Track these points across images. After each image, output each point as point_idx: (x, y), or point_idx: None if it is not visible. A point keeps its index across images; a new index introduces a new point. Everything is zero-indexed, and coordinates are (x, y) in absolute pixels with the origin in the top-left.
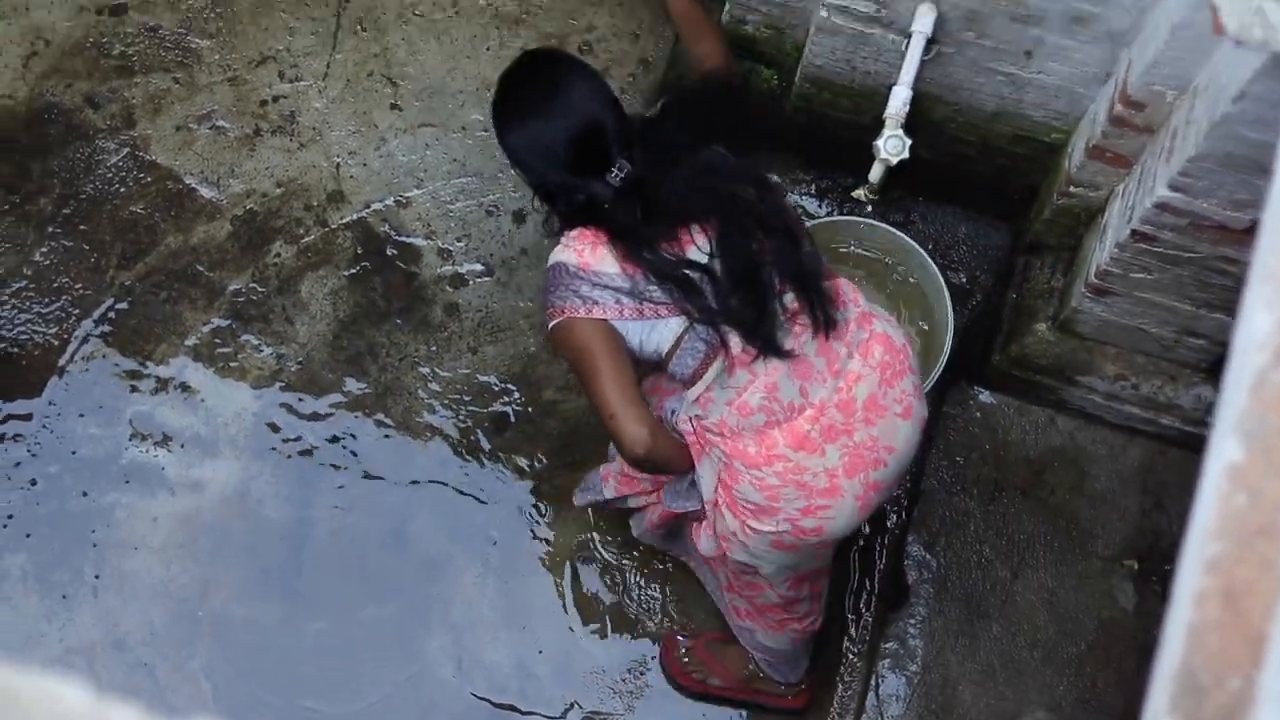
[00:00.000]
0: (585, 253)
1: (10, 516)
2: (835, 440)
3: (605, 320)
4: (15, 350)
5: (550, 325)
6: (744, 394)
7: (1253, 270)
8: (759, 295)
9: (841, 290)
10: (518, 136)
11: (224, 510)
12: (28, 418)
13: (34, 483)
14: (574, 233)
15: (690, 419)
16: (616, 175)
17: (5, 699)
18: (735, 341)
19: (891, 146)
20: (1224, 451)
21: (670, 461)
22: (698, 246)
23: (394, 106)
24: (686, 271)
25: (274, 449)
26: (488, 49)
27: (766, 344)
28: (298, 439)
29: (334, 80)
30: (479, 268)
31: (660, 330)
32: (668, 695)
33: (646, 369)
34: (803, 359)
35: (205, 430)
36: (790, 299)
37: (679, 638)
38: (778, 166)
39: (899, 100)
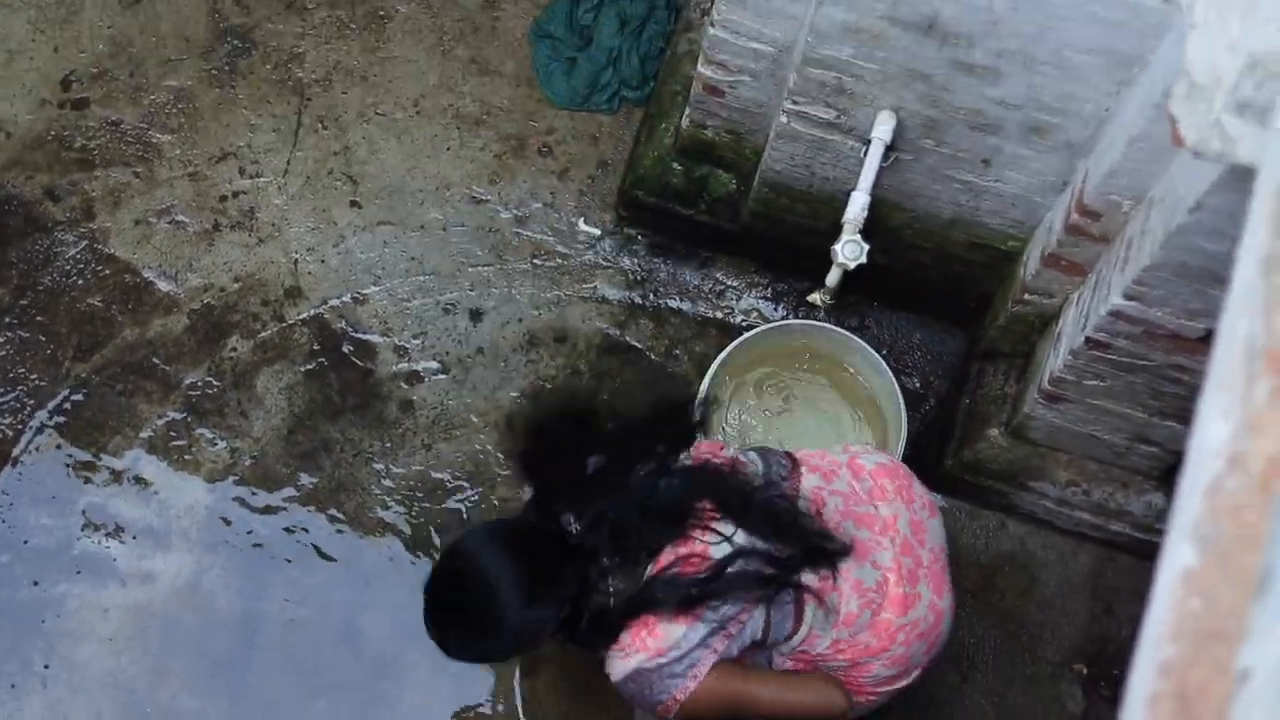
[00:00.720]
0: (649, 643)
1: None
2: (920, 580)
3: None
4: None
5: (674, 713)
6: (843, 609)
7: (1208, 379)
8: (788, 525)
9: (818, 463)
10: (501, 640)
11: (175, 602)
12: None
13: None
14: (624, 639)
15: (790, 656)
16: (599, 578)
17: None
18: (811, 579)
19: (849, 251)
20: (1178, 557)
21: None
22: (713, 531)
23: (354, 204)
24: (727, 571)
25: (227, 542)
26: (448, 149)
27: (830, 558)
28: (250, 532)
29: (294, 177)
30: (435, 365)
31: (750, 627)
32: None
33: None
34: (856, 543)
35: (158, 522)
36: (802, 503)
37: None
38: (733, 269)
39: (857, 206)
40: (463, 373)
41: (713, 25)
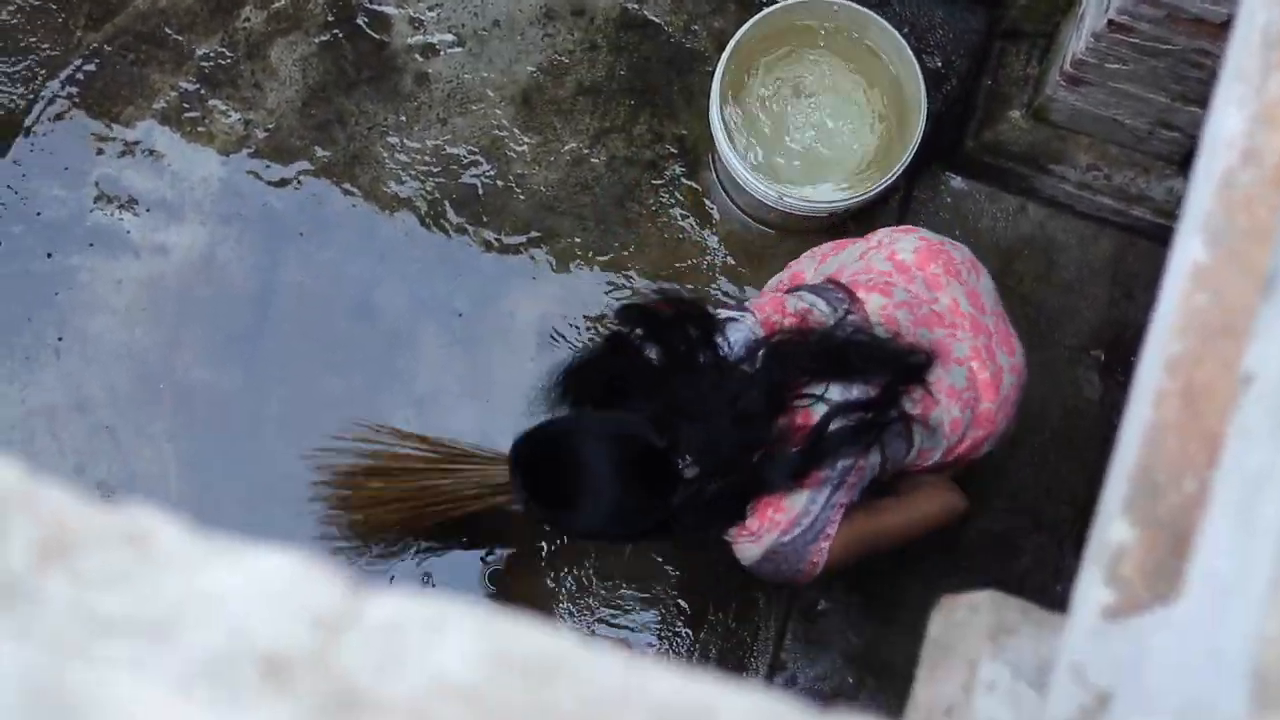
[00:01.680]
0: (779, 519)
1: None
2: (995, 353)
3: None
4: None
5: (820, 570)
6: (946, 420)
7: (1224, 68)
8: (877, 357)
9: (867, 277)
10: (587, 524)
11: (188, 274)
12: None
13: (5, 255)
14: (750, 524)
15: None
16: (687, 467)
17: None
18: (910, 405)
19: None
20: (1188, 250)
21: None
22: (805, 395)
23: None
24: (830, 431)
25: (240, 214)
26: None
27: (919, 373)
28: (264, 205)
29: None
30: (450, 38)
31: (870, 471)
32: None
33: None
34: (933, 345)
35: (171, 194)
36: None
37: None
38: None
39: None
40: (478, 45)
41: None
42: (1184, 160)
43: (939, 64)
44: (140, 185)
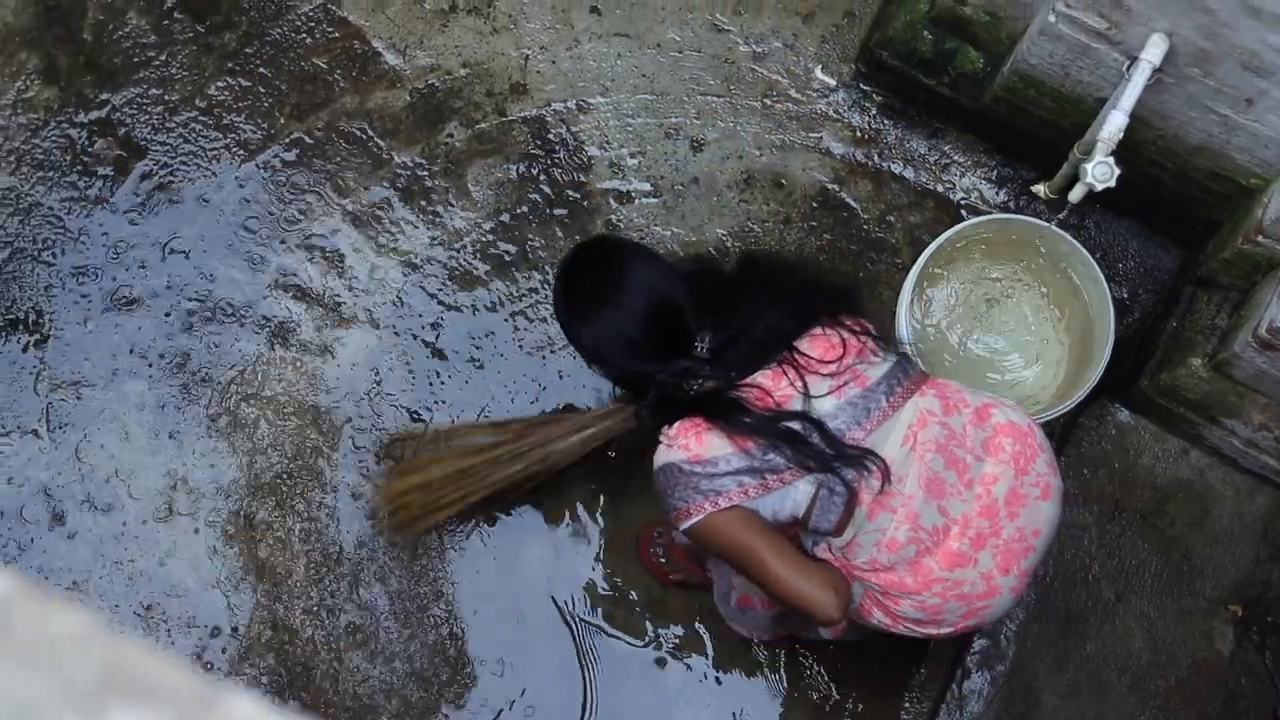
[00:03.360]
0: (691, 445)
1: (142, 344)
2: (985, 546)
3: (736, 505)
4: (174, 180)
5: (681, 528)
6: (890, 532)
7: None
8: (832, 440)
9: (948, 394)
10: (592, 331)
11: (346, 380)
12: (177, 250)
13: (167, 314)
14: (673, 430)
15: (834, 553)
16: (703, 347)
17: None
18: (864, 485)
19: (1100, 173)
20: None
21: (849, 597)
22: (792, 386)
23: (594, 9)
24: (788, 425)
25: (410, 331)
26: None
27: (887, 470)
28: (434, 326)
29: None
30: (647, 187)
31: (791, 497)
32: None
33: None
34: (935, 479)
35: (346, 296)
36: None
37: (655, 533)
38: (963, 146)
39: (1114, 126)
40: (674, 199)
41: None
42: None
43: (1125, 295)
44: (318, 282)
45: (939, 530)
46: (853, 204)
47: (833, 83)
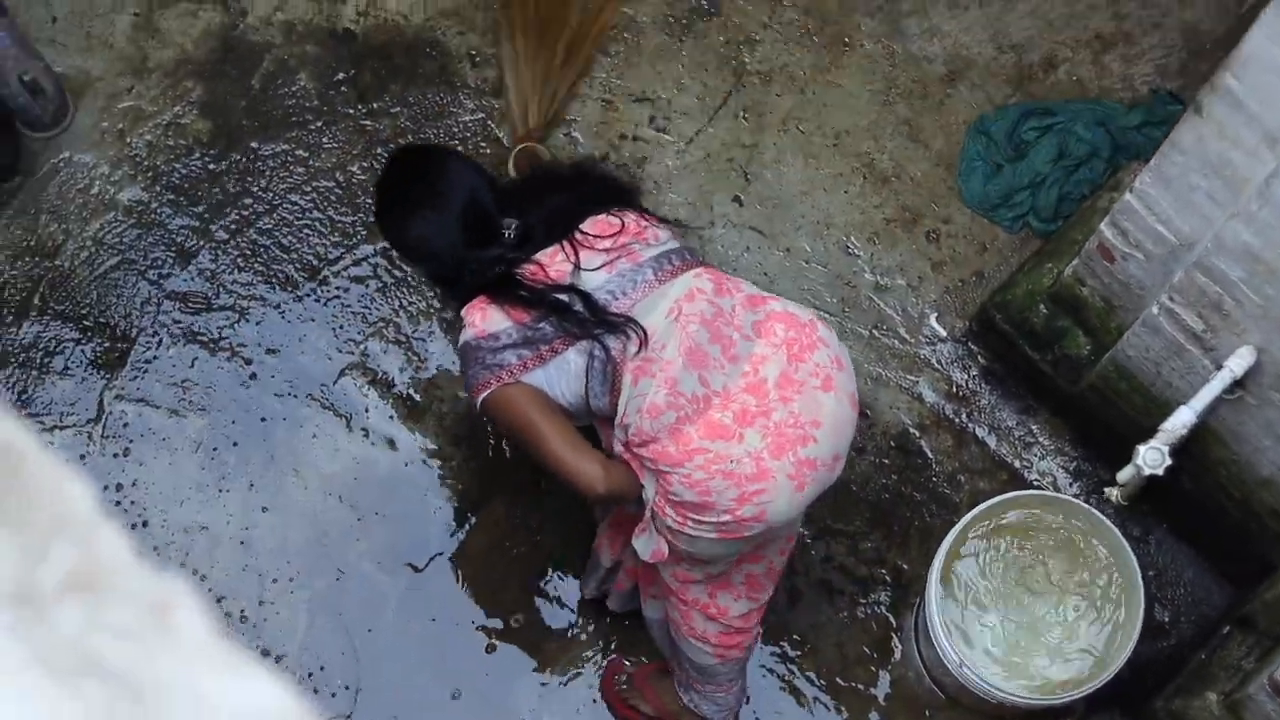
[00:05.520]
0: (477, 321)
1: (214, 384)
2: (752, 424)
3: (519, 382)
4: (296, 242)
5: (477, 406)
6: (649, 396)
7: None
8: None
9: (724, 279)
10: (414, 230)
11: (401, 476)
12: (276, 309)
13: (248, 361)
14: (467, 310)
15: (620, 442)
16: (510, 234)
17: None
18: (621, 348)
19: (1150, 458)
20: None
21: (628, 486)
22: (568, 261)
23: (736, 199)
24: (555, 296)
25: (468, 439)
26: (846, 191)
27: (646, 337)
28: (492, 443)
29: (696, 148)
30: None
31: (565, 370)
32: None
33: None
34: (696, 349)
35: (420, 397)
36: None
37: (623, 663)
38: (1050, 428)
39: (1180, 420)
40: None
41: (1131, 192)
42: None
43: (1166, 618)
44: (396, 375)
45: (699, 399)
46: (929, 453)
47: (944, 333)
